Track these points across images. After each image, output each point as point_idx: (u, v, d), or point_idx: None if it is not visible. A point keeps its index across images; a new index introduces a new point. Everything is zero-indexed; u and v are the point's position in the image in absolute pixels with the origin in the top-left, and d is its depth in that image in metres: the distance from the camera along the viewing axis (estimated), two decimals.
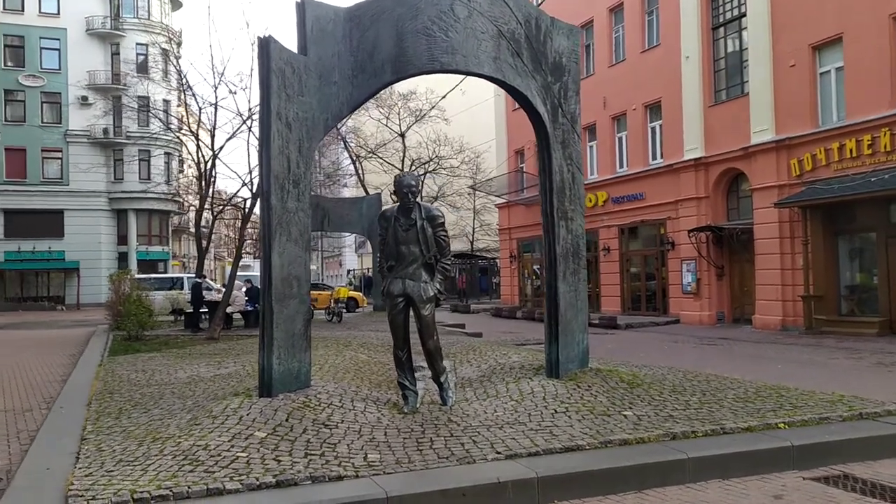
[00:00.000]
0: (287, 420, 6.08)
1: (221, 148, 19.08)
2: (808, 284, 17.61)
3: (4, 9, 44.20)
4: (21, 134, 43.56)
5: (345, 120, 46.41)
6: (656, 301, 23.77)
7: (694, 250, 21.02)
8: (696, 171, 21.29)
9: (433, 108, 47.19)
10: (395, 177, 7.26)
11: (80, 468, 5.07)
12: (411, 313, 7.06)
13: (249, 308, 19.21)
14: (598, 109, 25.61)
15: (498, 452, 5.32)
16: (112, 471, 4.94)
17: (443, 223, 7.08)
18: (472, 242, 48.16)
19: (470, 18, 7.30)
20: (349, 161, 45.53)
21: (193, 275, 22.38)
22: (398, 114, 47.62)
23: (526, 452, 5.33)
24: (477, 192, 39.83)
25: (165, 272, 44.44)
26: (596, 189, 25.88)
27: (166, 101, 41.21)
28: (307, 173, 7.35)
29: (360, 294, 30.75)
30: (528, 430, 5.96)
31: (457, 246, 51.76)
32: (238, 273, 19.08)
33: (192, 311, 18.98)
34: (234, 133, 21.12)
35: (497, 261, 37.49)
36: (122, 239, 45.65)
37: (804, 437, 5.81)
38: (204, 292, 19.71)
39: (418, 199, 7.18)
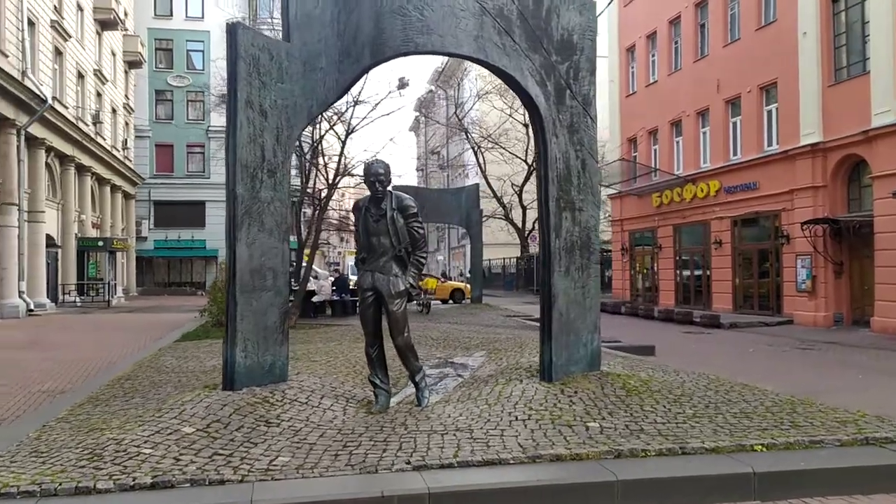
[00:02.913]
0: (230, 416, 5.94)
1: (320, 139, 19.32)
2: None
3: (156, 15, 47.52)
4: (169, 131, 46.76)
5: (467, 110, 46.35)
6: (769, 299, 21.92)
7: (809, 245, 19.16)
8: (812, 158, 19.37)
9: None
10: (364, 164, 6.93)
11: None
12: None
13: (336, 298, 19.49)
14: (712, 93, 23.95)
15: (407, 463, 4.89)
16: (15, 461, 4.96)
17: (415, 213, 6.68)
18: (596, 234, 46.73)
19: None
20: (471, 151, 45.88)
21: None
22: None
23: (438, 464, 4.88)
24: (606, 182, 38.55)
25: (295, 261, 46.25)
26: (708, 178, 24.26)
27: None
28: (286, 162, 7.16)
29: (466, 285, 30.48)
30: (469, 438, 5.49)
31: None
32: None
33: None
34: (331, 126, 21.45)
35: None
36: None
37: (775, 463, 4.97)
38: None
39: (390, 189, 6.81)
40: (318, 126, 19.81)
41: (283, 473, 4.74)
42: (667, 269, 27.42)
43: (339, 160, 17.70)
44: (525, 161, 46.65)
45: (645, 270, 29.54)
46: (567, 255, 7.45)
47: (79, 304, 29.94)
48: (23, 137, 24.25)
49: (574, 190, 7.58)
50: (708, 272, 24.84)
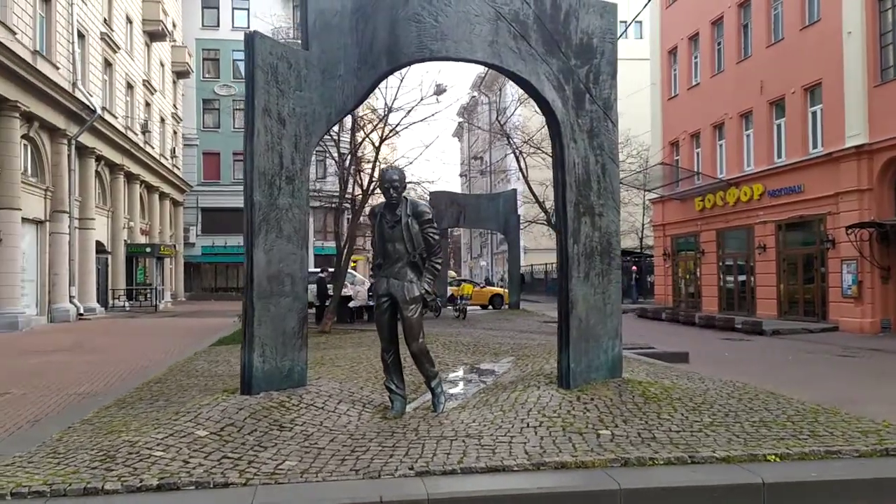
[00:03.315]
0: (244, 420, 6.02)
1: (359, 146, 19.52)
2: None
3: (203, 26, 48.61)
4: (216, 139, 47.73)
5: (509, 115, 46.58)
6: (815, 305, 21.36)
7: (854, 249, 18.62)
8: (858, 160, 18.84)
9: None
10: (380, 170, 6.96)
11: (16, 456, 5.28)
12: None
13: (372, 303, 19.58)
14: (755, 94, 23.49)
15: (410, 469, 4.90)
16: (32, 462, 5.10)
17: (430, 220, 6.69)
18: (641, 240, 46.20)
19: (462, 1, 6.85)
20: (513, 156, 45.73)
21: (318, 269, 23.14)
22: None
23: (441, 470, 4.87)
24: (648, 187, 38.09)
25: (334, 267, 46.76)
26: (751, 181, 23.78)
27: None
28: (304, 169, 7.24)
29: (505, 290, 30.37)
30: (477, 444, 5.47)
31: (626, 243, 50.09)
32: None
33: (319, 304, 19.67)
34: (367, 136, 21.61)
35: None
36: None
37: (786, 473, 4.83)
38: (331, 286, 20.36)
39: (406, 195, 6.84)
40: (356, 133, 20.02)
41: (287, 477, 4.79)
42: (710, 275, 26.93)
43: (374, 166, 17.82)
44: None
45: (688, 276, 29.06)
46: (587, 260, 7.38)
47: (127, 309, 30.72)
48: (73, 147, 25.04)
49: (594, 195, 7.51)
50: (752, 278, 24.34)
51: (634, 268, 34.94)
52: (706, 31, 27.11)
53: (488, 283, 48.26)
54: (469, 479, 4.79)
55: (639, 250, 44.71)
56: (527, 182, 43.56)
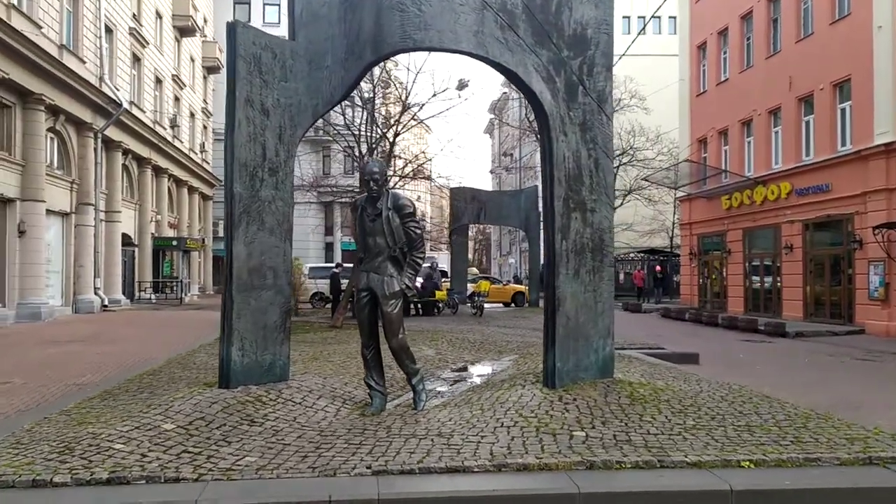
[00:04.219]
0: (216, 414, 5.97)
1: (378, 140, 19.44)
2: None
3: (264, 23, 48.78)
4: None
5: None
6: (841, 307, 20.76)
7: (882, 250, 18.05)
8: (887, 158, 18.25)
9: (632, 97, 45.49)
10: (361, 164, 6.83)
11: None
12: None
13: None
14: (784, 91, 22.91)
15: (368, 468, 4.77)
16: None
17: (411, 213, 6.57)
18: (671, 238, 45.53)
19: None
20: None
21: (333, 265, 23.15)
22: None
23: (398, 469, 4.74)
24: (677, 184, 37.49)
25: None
26: (779, 180, 23.21)
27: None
28: (289, 161, 7.16)
29: (526, 288, 30.10)
30: (445, 443, 5.33)
31: (655, 242, 49.39)
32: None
33: (332, 299, 19.67)
34: (394, 124, 21.51)
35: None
36: (329, 230, 48.76)
37: (758, 481, 4.60)
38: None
39: (388, 188, 6.71)
40: (376, 128, 19.95)
41: (241, 474, 4.70)
42: (736, 275, 26.39)
43: (389, 160, 17.73)
44: None
45: (714, 276, 28.51)
46: (576, 257, 7.18)
47: (153, 301, 31.08)
48: (100, 140, 25.33)
49: (585, 190, 7.30)
50: (778, 278, 23.78)
51: (658, 268, 34.37)
52: (735, 26, 26.54)
53: (516, 280, 47.88)
54: (426, 480, 4.66)
55: (668, 249, 44.09)
56: None
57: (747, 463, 4.87)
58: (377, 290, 6.55)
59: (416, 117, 19.89)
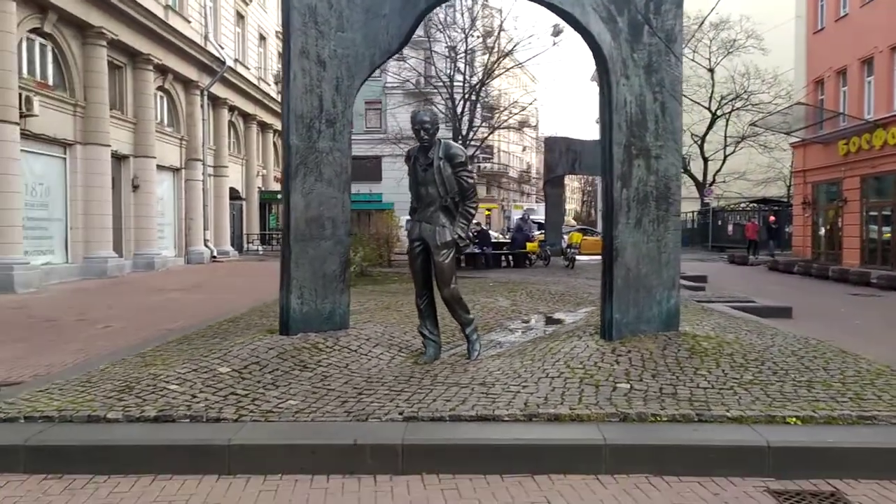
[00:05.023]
0: (271, 359, 6.19)
1: (480, 85, 19.26)
2: None
3: None
4: None
5: None
6: None
7: None
8: None
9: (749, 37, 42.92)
10: (411, 112, 6.77)
11: (53, 383, 5.69)
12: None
13: (477, 251, 19.62)
14: None
15: (400, 414, 4.84)
16: (63, 390, 5.46)
17: (463, 162, 6.50)
18: (788, 188, 43.13)
19: None
20: None
21: None
22: (708, 46, 44.03)
23: (429, 417, 4.78)
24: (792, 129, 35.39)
25: None
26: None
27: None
28: (346, 112, 7.20)
29: None
30: (485, 393, 5.32)
31: (771, 191, 46.93)
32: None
33: None
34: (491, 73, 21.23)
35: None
36: None
37: (800, 437, 4.35)
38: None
39: (440, 136, 6.63)
40: (474, 74, 19.74)
41: (278, 416, 4.87)
42: (852, 225, 24.75)
43: (474, 109, 17.56)
44: (708, 108, 43.91)
45: (828, 226, 26.87)
46: (638, 206, 6.92)
47: (260, 253, 32.42)
48: (206, 97, 26.36)
49: (650, 136, 6.99)
50: None
51: (773, 218, 32.66)
52: None
53: None
54: (454, 427, 4.68)
55: (785, 199, 41.79)
56: None
57: (794, 419, 4.61)
58: (429, 239, 6.55)
59: (513, 58, 19.51)
